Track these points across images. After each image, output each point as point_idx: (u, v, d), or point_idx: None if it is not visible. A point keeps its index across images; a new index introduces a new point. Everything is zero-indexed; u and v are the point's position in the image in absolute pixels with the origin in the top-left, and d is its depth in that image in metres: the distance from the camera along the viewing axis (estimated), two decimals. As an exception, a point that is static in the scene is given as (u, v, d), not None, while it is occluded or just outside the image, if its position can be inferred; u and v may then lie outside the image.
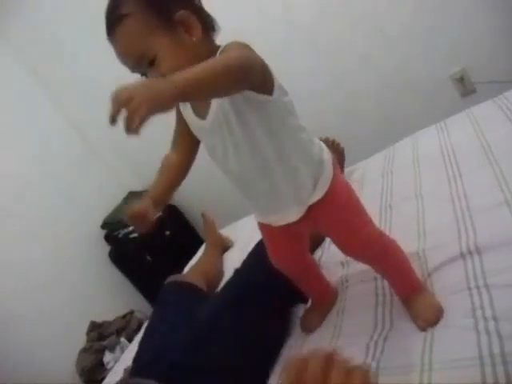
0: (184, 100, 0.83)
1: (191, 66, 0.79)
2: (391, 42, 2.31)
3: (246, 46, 0.85)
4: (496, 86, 1.98)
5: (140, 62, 0.87)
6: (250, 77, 0.82)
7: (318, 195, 0.98)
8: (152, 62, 0.86)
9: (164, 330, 1.33)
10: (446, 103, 2.29)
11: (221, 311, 1.26)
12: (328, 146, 1.81)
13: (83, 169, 2.94)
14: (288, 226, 1.02)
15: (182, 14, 0.87)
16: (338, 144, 1.84)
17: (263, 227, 1.10)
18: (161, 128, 2.82)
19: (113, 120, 0.66)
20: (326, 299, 1.22)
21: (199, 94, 0.76)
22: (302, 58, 2.44)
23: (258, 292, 1.27)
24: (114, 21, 0.86)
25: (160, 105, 0.66)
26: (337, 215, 1.00)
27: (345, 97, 2.48)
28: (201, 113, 0.93)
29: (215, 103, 0.89)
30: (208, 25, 0.92)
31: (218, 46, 0.91)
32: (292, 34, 2.42)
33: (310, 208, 0.99)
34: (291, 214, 1.00)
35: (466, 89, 2.32)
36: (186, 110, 0.97)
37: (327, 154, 1.02)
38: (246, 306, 1.24)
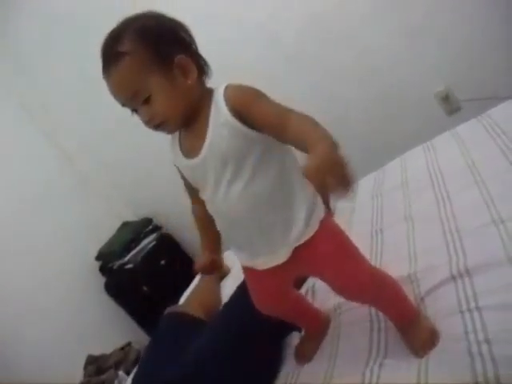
0: None
1: (183, 107, 0.90)
2: (377, 64, 2.35)
3: (260, 93, 0.90)
4: (481, 103, 2.02)
5: (134, 99, 0.90)
6: None
7: (308, 235, 0.96)
8: (146, 101, 0.90)
9: (154, 367, 1.32)
10: (433, 122, 2.32)
11: (209, 348, 1.25)
12: None
13: (76, 200, 2.94)
14: (275, 269, 1.00)
15: (181, 58, 0.90)
16: None
17: (247, 271, 1.08)
18: (153, 157, 2.86)
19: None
20: (318, 327, 1.21)
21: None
22: (289, 82, 2.47)
23: (246, 327, 1.26)
24: (111, 57, 0.89)
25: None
26: (326, 258, 0.98)
27: (332, 119, 2.49)
28: (191, 152, 0.95)
29: (208, 139, 0.90)
30: (202, 69, 0.96)
31: (210, 89, 0.94)
32: (280, 58, 2.45)
33: (299, 250, 0.97)
34: (279, 256, 0.98)
35: (452, 107, 2.35)
36: (176, 153, 0.99)
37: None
38: (234, 343, 1.24)
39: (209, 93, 0.93)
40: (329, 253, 0.97)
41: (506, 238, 1.06)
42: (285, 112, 0.87)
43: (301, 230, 0.95)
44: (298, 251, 0.97)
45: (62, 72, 2.76)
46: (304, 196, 0.96)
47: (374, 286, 1.00)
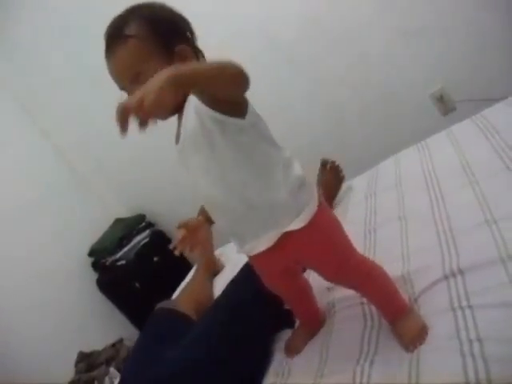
0: (183, 83, 0.75)
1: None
2: (371, 64, 2.36)
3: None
4: (476, 104, 2.02)
5: (133, 81, 0.91)
6: (241, 85, 0.84)
7: (300, 223, 0.95)
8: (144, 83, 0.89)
9: (142, 364, 1.32)
10: (428, 122, 2.33)
11: (198, 344, 1.25)
12: (324, 166, 1.86)
13: (69, 196, 2.93)
14: (267, 257, 1.01)
15: (182, 47, 0.95)
16: (338, 167, 1.87)
17: (253, 259, 1.07)
18: (147, 154, 2.85)
19: (123, 127, 0.70)
20: (313, 323, 1.22)
21: (194, 80, 0.78)
22: (285, 86, 2.47)
23: (231, 326, 1.27)
24: (117, 39, 0.92)
25: (166, 86, 0.70)
26: (319, 247, 0.99)
27: (327, 120, 2.52)
28: (177, 138, 0.97)
29: (185, 125, 0.92)
30: (199, 60, 1.00)
31: None
32: (276, 62, 2.45)
33: (291, 237, 0.96)
34: (263, 241, 0.98)
35: (447, 107, 2.36)
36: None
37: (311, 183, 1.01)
38: (223, 339, 1.24)
39: None
40: (324, 236, 0.99)
41: (498, 238, 1.06)
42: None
43: (292, 216, 0.95)
44: (292, 238, 0.96)
45: (57, 70, 2.74)
46: (286, 179, 0.95)
47: (364, 271, 1.03)
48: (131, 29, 0.92)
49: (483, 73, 2.22)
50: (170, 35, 0.95)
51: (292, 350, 1.20)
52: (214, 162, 0.92)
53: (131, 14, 0.96)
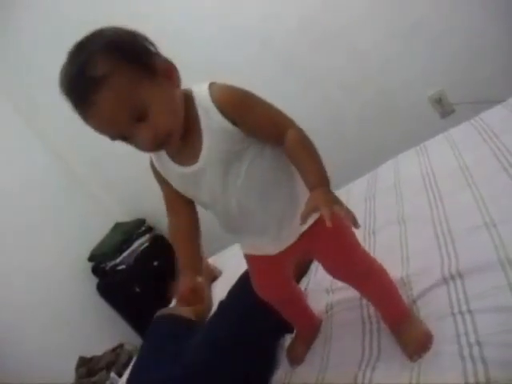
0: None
1: (182, 112, 0.86)
2: (370, 67, 2.36)
3: (252, 97, 0.89)
4: (474, 106, 2.03)
5: (128, 122, 0.81)
6: None
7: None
8: (142, 118, 0.81)
9: (146, 369, 1.32)
10: (427, 124, 2.34)
11: (201, 350, 1.25)
12: None
13: (69, 201, 2.92)
14: (279, 254, 1.02)
15: (161, 62, 0.84)
16: None
17: (250, 258, 1.09)
18: (147, 158, 2.84)
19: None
20: (309, 328, 1.22)
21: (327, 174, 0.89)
22: (281, 86, 2.47)
23: (241, 328, 1.27)
24: (89, 87, 0.77)
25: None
26: (329, 239, 0.99)
27: (325, 122, 2.52)
28: (184, 160, 0.91)
29: (206, 147, 0.88)
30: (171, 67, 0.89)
31: (186, 90, 0.90)
32: (271, 61, 2.45)
33: (303, 233, 0.99)
34: (287, 241, 1.00)
35: (445, 109, 2.36)
36: (163, 163, 0.96)
37: None
38: (228, 344, 1.24)
39: (187, 95, 0.89)
40: (334, 229, 0.98)
41: (497, 241, 1.06)
42: (281, 121, 0.90)
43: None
44: (304, 234, 0.99)
45: (53, 72, 2.73)
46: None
47: (367, 262, 1.04)
48: (99, 68, 0.77)
49: (482, 75, 2.23)
50: (142, 54, 0.83)
51: (293, 359, 1.19)
52: (242, 174, 0.91)
53: (87, 52, 0.80)
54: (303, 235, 0.99)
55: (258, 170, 0.92)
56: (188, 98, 0.88)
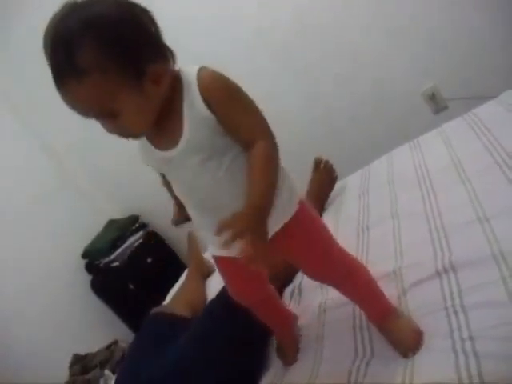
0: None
1: (154, 115, 0.83)
2: (363, 62, 2.36)
3: (235, 88, 0.84)
4: (467, 102, 2.04)
5: (97, 116, 0.81)
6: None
7: (286, 218, 0.94)
8: (112, 115, 0.80)
9: (137, 367, 1.31)
10: (420, 120, 2.34)
11: (188, 347, 1.25)
12: (318, 165, 1.86)
13: (62, 198, 2.90)
14: None
15: (151, 68, 0.79)
16: (331, 166, 1.88)
17: (220, 261, 1.06)
18: (137, 154, 2.82)
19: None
20: (287, 328, 1.20)
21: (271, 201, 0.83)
22: (275, 80, 2.47)
23: (228, 326, 1.26)
24: (69, 74, 0.75)
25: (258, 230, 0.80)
26: (302, 243, 0.97)
27: (319, 117, 2.52)
28: (164, 144, 0.88)
29: (185, 134, 0.84)
30: (170, 60, 0.85)
31: (175, 72, 0.86)
32: (265, 56, 2.45)
33: (277, 233, 0.94)
34: None
35: (438, 105, 2.37)
36: (143, 145, 0.93)
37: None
38: (217, 342, 1.24)
39: (175, 77, 0.85)
40: (304, 231, 0.97)
41: (490, 236, 1.07)
42: (257, 130, 0.85)
43: (280, 213, 0.92)
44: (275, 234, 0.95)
45: (49, 71, 2.72)
46: (286, 179, 0.94)
47: (345, 270, 1.01)
48: (84, 59, 0.73)
49: (474, 71, 2.23)
50: (134, 51, 0.77)
51: (286, 361, 1.18)
52: (219, 166, 0.86)
53: (75, 27, 0.75)
54: (275, 237, 0.93)
55: (240, 168, 0.87)
56: (176, 80, 0.85)
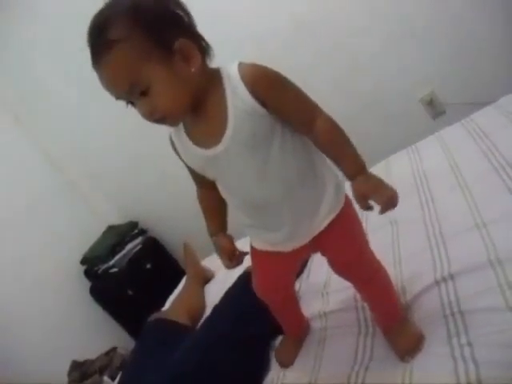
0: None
1: (188, 97, 0.82)
2: (361, 68, 2.36)
3: (280, 77, 0.87)
4: (465, 107, 2.04)
5: (130, 92, 0.80)
6: None
7: (332, 216, 0.96)
8: (144, 92, 0.80)
9: (138, 374, 1.31)
10: (418, 125, 2.34)
11: (192, 351, 1.25)
12: None
13: (61, 204, 2.90)
14: (292, 252, 1.00)
15: (182, 42, 0.79)
16: None
17: (259, 254, 1.05)
18: (139, 161, 2.83)
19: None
20: (300, 331, 1.22)
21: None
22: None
23: (233, 329, 1.27)
24: (102, 45, 0.77)
25: None
26: (342, 240, 0.99)
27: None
28: (206, 141, 0.87)
29: (230, 127, 0.83)
30: (205, 51, 0.86)
31: (215, 70, 0.86)
32: (263, 61, 2.45)
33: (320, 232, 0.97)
34: (303, 239, 0.98)
35: (436, 111, 2.37)
36: (182, 142, 0.92)
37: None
38: (220, 345, 1.24)
39: (215, 74, 0.85)
40: (349, 226, 1.01)
41: (487, 242, 1.07)
42: (311, 108, 0.90)
43: (326, 210, 0.95)
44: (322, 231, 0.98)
45: (48, 78, 2.73)
46: (331, 172, 0.97)
47: (373, 272, 1.03)
48: (114, 31, 0.76)
49: (472, 77, 2.24)
50: (164, 28, 0.79)
51: (284, 362, 1.19)
52: (269, 162, 0.86)
53: (112, 10, 0.79)
54: (319, 234, 0.97)
55: (287, 158, 0.88)
56: (215, 78, 0.84)
